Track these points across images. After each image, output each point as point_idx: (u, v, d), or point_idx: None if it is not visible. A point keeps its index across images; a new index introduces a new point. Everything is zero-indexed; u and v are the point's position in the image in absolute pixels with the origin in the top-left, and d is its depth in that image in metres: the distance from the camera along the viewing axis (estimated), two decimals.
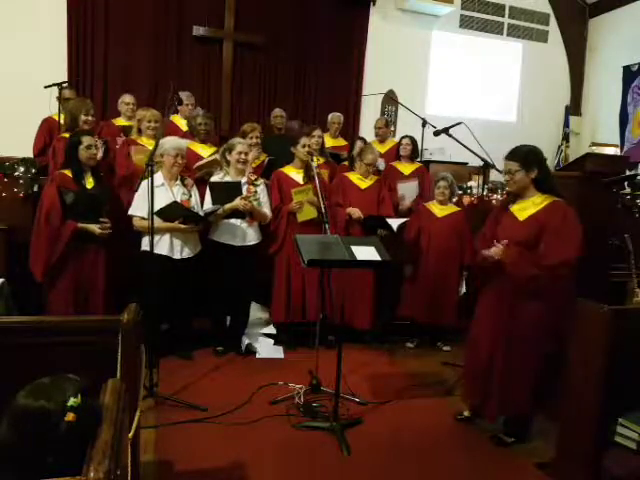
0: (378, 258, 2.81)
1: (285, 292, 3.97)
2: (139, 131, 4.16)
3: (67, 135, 4.07)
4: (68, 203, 3.27)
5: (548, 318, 2.58)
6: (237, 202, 3.64)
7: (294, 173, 4.03)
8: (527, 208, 2.65)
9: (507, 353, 2.65)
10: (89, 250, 3.37)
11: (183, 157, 3.53)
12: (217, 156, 4.06)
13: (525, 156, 2.63)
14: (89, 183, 3.39)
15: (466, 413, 3.01)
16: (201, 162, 4.07)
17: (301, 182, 3.96)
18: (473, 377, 2.85)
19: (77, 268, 3.34)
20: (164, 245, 3.46)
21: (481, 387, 2.77)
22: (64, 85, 4.75)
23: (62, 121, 4.46)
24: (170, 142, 3.49)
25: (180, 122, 4.92)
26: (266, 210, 3.83)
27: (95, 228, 3.29)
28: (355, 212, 4.03)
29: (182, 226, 3.44)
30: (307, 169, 3.91)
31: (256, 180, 3.82)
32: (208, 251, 3.73)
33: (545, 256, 2.53)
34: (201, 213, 3.60)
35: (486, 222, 2.91)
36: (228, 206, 3.64)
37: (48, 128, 4.63)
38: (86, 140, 3.33)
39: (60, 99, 4.65)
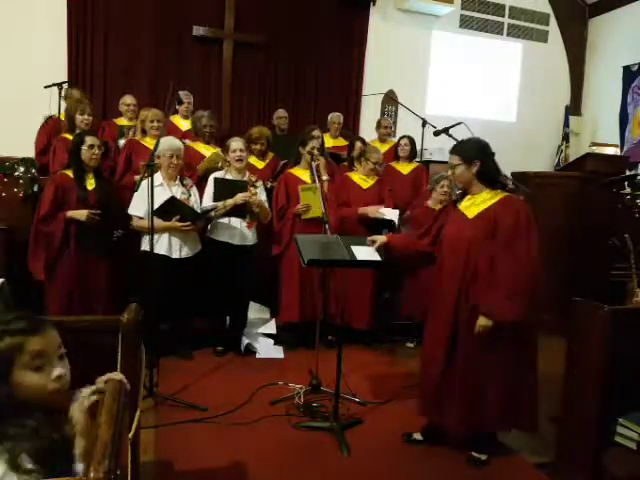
0: (378, 258, 2.81)
1: (297, 292, 3.96)
2: (143, 131, 4.16)
3: (67, 135, 4.08)
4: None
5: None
6: (237, 198, 3.63)
7: (302, 174, 4.03)
8: (476, 204, 2.51)
9: (465, 363, 2.46)
10: (94, 255, 3.38)
11: (179, 157, 3.53)
12: (218, 150, 4.07)
13: (466, 150, 2.51)
14: (90, 184, 3.38)
15: (416, 436, 2.75)
16: (201, 163, 4.08)
17: (309, 182, 3.96)
18: (427, 389, 2.60)
19: (79, 270, 3.35)
20: (163, 245, 3.46)
21: (437, 401, 2.54)
22: (64, 85, 4.75)
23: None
24: (165, 143, 3.49)
25: (179, 122, 4.93)
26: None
27: (82, 212, 3.27)
28: (369, 210, 4.01)
29: (178, 224, 3.44)
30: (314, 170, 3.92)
31: (256, 181, 3.83)
32: (206, 249, 3.73)
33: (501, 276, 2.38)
34: (199, 211, 3.61)
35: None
36: (229, 201, 3.64)
37: (51, 127, 4.63)
38: (89, 140, 3.33)
39: (66, 98, 4.64)
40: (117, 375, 1.32)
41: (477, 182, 2.51)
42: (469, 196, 2.56)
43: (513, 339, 2.42)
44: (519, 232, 2.38)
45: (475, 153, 2.48)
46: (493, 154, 2.56)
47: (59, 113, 4.48)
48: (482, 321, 2.38)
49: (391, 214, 4.01)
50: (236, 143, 3.75)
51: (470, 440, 2.61)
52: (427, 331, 2.66)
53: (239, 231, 3.74)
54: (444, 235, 2.59)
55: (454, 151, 2.55)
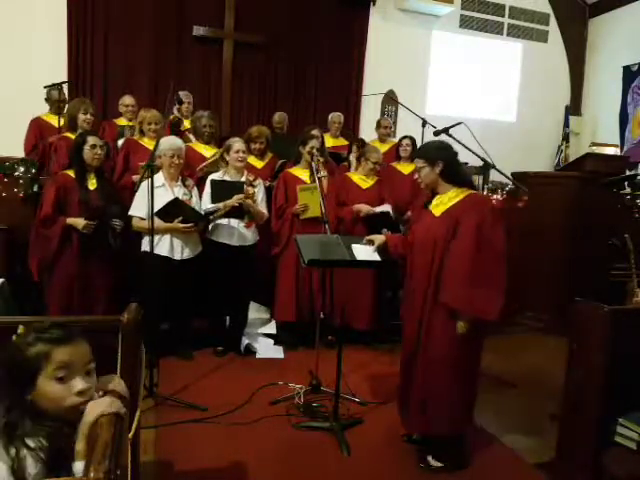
0: (378, 258, 2.81)
1: (293, 292, 3.96)
2: (141, 132, 4.16)
3: (68, 135, 4.09)
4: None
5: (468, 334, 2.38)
6: (232, 200, 3.63)
7: (302, 174, 4.03)
8: (443, 203, 2.52)
9: (423, 364, 2.47)
10: (95, 255, 3.38)
11: (180, 157, 3.52)
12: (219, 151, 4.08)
13: (428, 151, 2.56)
14: (92, 184, 3.39)
15: (416, 436, 2.73)
16: (205, 163, 4.08)
17: (308, 182, 3.96)
18: (399, 388, 2.68)
19: (80, 270, 3.35)
20: (164, 246, 3.46)
21: (403, 400, 2.62)
22: (64, 85, 4.76)
23: (50, 120, 4.50)
24: (166, 143, 3.49)
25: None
26: (262, 209, 3.84)
27: (80, 222, 3.26)
28: (363, 207, 4.02)
29: (180, 225, 3.43)
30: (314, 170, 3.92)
31: (254, 181, 3.83)
32: (206, 250, 3.73)
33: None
34: (202, 212, 3.60)
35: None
36: (229, 203, 3.64)
37: (37, 128, 4.64)
38: (91, 140, 3.33)
39: (47, 100, 4.67)
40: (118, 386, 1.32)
41: (442, 182, 2.53)
42: (437, 196, 2.58)
43: (471, 343, 2.42)
44: (485, 230, 2.36)
45: (438, 154, 2.51)
46: (456, 154, 2.59)
47: (58, 115, 4.48)
48: (461, 326, 2.37)
49: (383, 207, 4.00)
50: (239, 144, 3.75)
51: (432, 444, 2.58)
52: (403, 332, 2.68)
53: (238, 232, 3.74)
54: (414, 235, 2.61)
55: (418, 154, 2.64)
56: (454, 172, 2.53)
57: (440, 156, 2.50)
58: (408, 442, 2.74)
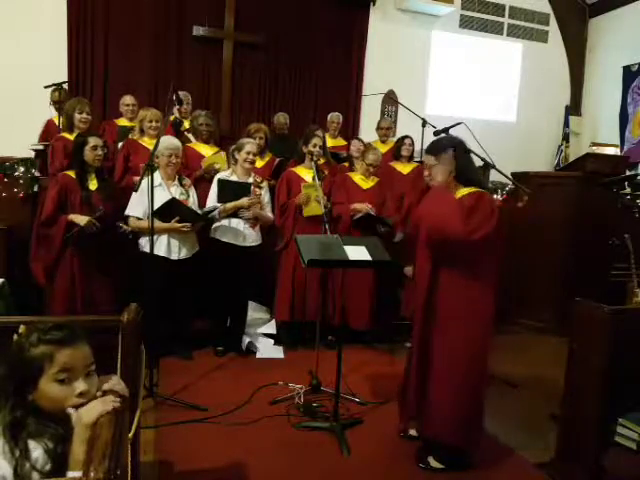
0: (368, 258, 2.79)
1: (290, 291, 3.97)
2: (141, 131, 4.16)
3: (66, 135, 4.08)
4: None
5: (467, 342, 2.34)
6: (242, 201, 3.64)
7: (305, 173, 4.04)
8: None
9: (423, 368, 2.42)
10: (96, 256, 3.37)
11: (177, 156, 3.52)
12: (222, 154, 4.07)
13: (439, 148, 2.45)
14: (93, 185, 3.39)
15: (412, 432, 2.72)
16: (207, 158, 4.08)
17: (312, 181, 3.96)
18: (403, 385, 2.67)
19: (82, 271, 3.35)
20: (161, 246, 3.45)
21: (402, 396, 2.64)
22: (64, 85, 4.76)
23: (57, 122, 4.50)
24: (163, 142, 3.48)
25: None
26: (268, 212, 3.85)
27: (82, 218, 3.26)
28: (361, 206, 4.01)
29: (177, 225, 3.43)
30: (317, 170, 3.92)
31: (261, 182, 3.83)
32: (209, 250, 3.73)
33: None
34: (199, 212, 3.60)
35: None
36: (232, 204, 3.64)
37: (46, 130, 4.65)
38: (92, 141, 3.34)
39: (52, 101, 4.67)
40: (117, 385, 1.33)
41: (453, 181, 2.44)
42: None
43: (473, 347, 2.36)
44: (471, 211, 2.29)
45: (447, 151, 2.42)
46: (467, 151, 2.48)
47: (59, 115, 4.49)
48: None
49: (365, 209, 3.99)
50: (251, 146, 3.76)
51: (433, 445, 2.54)
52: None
53: (242, 232, 3.75)
54: None
55: (428, 151, 2.51)
56: (465, 170, 2.42)
57: (449, 153, 2.41)
58: (405, 438, 2.74)
